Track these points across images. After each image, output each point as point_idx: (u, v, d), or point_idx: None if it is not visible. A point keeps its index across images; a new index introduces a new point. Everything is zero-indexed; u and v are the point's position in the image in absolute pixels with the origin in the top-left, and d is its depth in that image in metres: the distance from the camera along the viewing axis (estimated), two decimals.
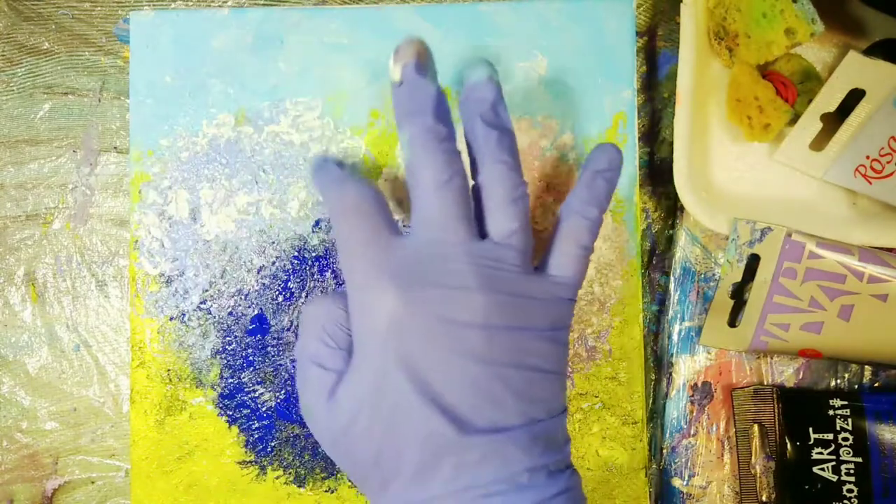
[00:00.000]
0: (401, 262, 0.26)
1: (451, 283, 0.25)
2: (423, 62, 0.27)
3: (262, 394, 0.33)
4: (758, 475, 0.33)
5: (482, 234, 0.27)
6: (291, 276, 0.33)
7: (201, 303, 0.33)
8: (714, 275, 0.35)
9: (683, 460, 0.34)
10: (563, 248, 0.28)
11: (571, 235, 0.28)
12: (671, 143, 0.34)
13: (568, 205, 0.29)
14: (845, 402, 0.33)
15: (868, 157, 0.32)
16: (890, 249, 0.32)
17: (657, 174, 0.35)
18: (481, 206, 0.27)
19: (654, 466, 0.34)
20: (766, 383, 0.35)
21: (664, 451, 0.34)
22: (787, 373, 0.35)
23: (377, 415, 0.25)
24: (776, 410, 0.33)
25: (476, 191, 0.28)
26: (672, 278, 0.35)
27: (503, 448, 0.25)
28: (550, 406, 0.26)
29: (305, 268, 0.33)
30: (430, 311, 0.25)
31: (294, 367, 0.33)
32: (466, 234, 0.26)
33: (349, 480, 0.33)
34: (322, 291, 0.33)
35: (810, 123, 0.33)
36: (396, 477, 0.25)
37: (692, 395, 0.34)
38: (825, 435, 0.33)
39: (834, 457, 0.32)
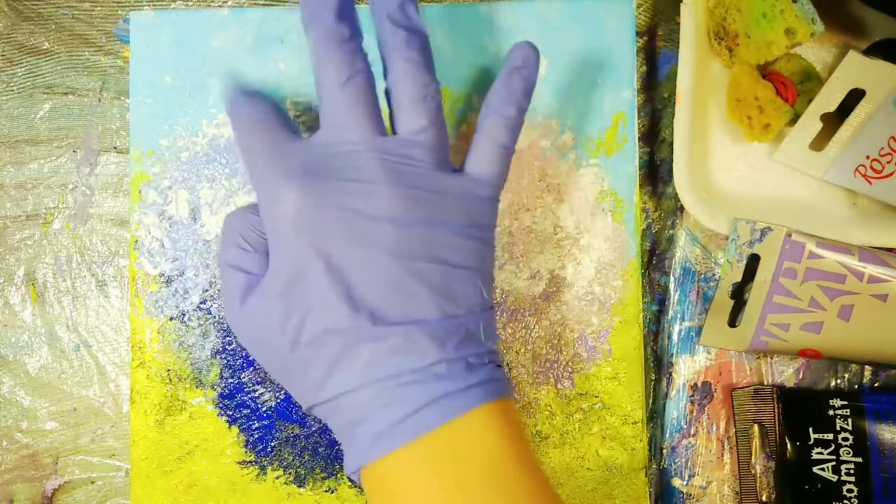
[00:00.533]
0: (303, 159, 0.26)
1: (356, 177, 0.26)
2: None
3: (262, 394, 0.33)
4: (758, 475, 0.33)
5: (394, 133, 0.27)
6: None
7: (201, 303, 0.33)
8: (714, 275, 0.35)
9: (683, 460, 0.34)
10: (481, 146, 0.28)
11: (490, 134, 0.28)
12: (671, 143, 0.34)
13: (486, 105, 0.29)
14: (845, 402, 0.33)
15: (868, 157, 0.32)
16: (890, 249, 0.32)
17: (657, 174, 0.35)
18: (392, 107, 0.28)
19: (654, 466, 0.34)
20: (766, 383, 0.35)
21: (664, 451, 0.34)
22: (787, 373, 0.35)
23: (291, 311, 0.26)
24: (776, 410, 0.33)
25: (387, 93, 0.28)
26: (672, 278, 0.35)
27: (417, 339, 0.25)
28: (469, 302, 0.27)
29: None
30: (334, 203, 0.25)
31: None
32: (371, 131, 0.26)
33: (349, 480, 0.33)
34: None
35: (810, 123, 0.33)
36: (314, 372, 0.26)
37: (692, 395, 0.34)
38: (825, 435, 0.33)
39: (834, 457, 0.32)
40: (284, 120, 0.28)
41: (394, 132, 0.27)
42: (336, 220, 0.25)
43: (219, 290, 0.33)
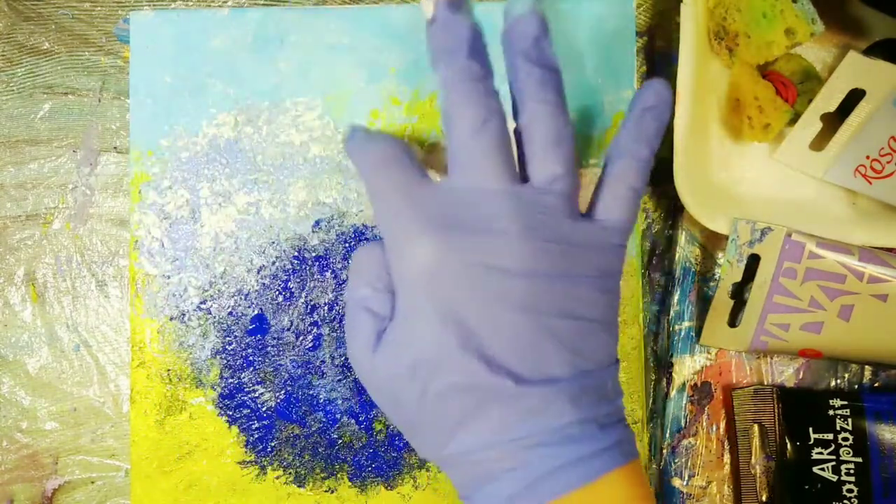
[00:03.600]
0: (435, 208, 0.25)
1: (491, 229, 0.24)
2: None
3: (262, 394, 0.33)
4: (758, 475, 0.33)
5: (525, 178, 0.26)
6: (291, 276, 0.33)
7: (201, 303, 0.33)
8: (714, 275, 0.35)
9: (683, 460, 0.34)
10: (612, 190, 0.27)
11: (621, 177, 0.27)
12: (671, 143, 0.34)
13: (616, 145, 0.27)
14: (845, 402, 0.33)
15: (868, 157, 0.32)
16: (890, 249, 0.32)
17: (657, 174, 0.35)
18: (524, 150, 0.26)
19: (654, 466, 0.34)
20: (766, 383, 0.35)
21: (664, 451, 0.34)
22: (787, 373, 0.35)
23: (421, 364, 0.25)
24: (776, 410, 0.33)
25: (518, 133, 0.26)
26: (672, 278, 0.35)
27: (552, 399, 0.24)
28: (600, 357, 0.25)
29: (305, 268, 0.33)
30: (468, 257, 0.24)
31: (294, 366, 0.33)
32: (506, 179, 0.25)
33: (349, 480, 0.33)
34: (322, 292, 0.33)
35: (810, 123, 0.33)
36: (442, 425, 0.25)
37: (692, 395, 0.34)
38: (825, 435, 0.33)
39: (834, 457, 0.32)
40: (414, 160, 0.26)
41: (524, 176, 0.26)
42: (468, 275, 0.24)
43: (219, 291, 0.33)
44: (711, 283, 0.35)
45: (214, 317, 0.33)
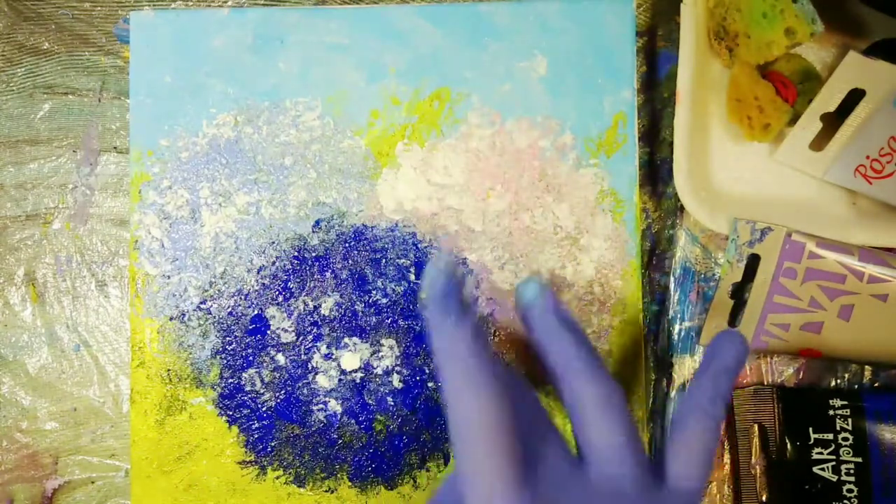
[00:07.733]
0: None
1: None
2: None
3: (262, 394, 0.33)
4: (758, 475, 0.33)
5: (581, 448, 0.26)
6: (291, 276, 0.33)
7: (201, 303, 0.33)
8: (714, 275, 0.35)
9: None
10: (688, 453, 0.26)
11: (698, 438, 0.26)
12: (671, 143, 0.34)
13: (690, 402, 0.27)
14: (845, 402, 0.33)
15: (868, 157, 0.32)
16: (890, 249, 0.32)
17: (657, 174, 0.35)
18: (575, 420, 0.26)
19: None
20: (766, 383, 0.35)
21: None
22: (787, 373, 0.35)
23: None
24: (776, 410, 0.33)
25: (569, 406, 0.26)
26: (672, 278, 0.35)
27: None
28: None
29: (305, 268, 0.33)
30: None
31: (294, 366, 0.33)
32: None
33: (349, 480, 0.33)
34: (322, 292, 0.33)
35: (810, 123, 0.33)
36: None
37: None
38: (825, 435, 0.33)
39: (834, 457, 0.32)
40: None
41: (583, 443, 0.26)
42: None
43: (219, 291, 0.33)
44: (711, 283, 0.35)
45: (214, 317, 0.33)
